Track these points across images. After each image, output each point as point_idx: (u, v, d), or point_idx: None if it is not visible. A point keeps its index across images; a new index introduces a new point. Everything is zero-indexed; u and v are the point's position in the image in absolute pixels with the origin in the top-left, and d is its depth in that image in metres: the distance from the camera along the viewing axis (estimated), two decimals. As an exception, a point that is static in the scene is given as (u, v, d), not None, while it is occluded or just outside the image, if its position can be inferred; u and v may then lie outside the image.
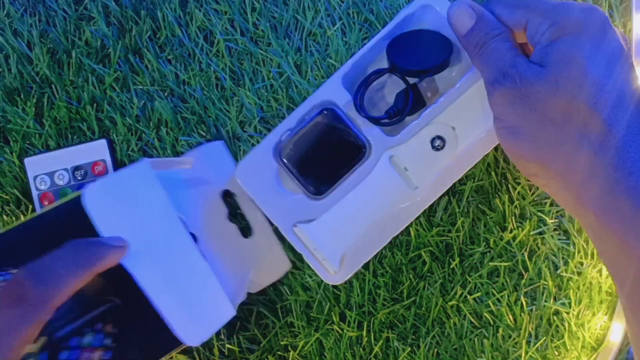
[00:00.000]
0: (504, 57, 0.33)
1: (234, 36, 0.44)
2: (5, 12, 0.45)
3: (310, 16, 0.44)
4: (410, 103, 0.40)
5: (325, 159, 0.41)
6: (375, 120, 0.40)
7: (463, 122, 0.40)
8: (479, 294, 0.42)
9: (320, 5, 0.44)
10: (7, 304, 0.28)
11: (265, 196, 0.41)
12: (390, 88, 0.42)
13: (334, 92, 0.40)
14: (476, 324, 0.42)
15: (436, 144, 0.40)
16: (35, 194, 0.43)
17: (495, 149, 0.43)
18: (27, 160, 0.44)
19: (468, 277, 0.42)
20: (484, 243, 0.42)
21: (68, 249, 0.31)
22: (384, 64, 0.41)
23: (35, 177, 0.44)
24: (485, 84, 0.35)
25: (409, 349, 0.43)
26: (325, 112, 0.40)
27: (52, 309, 0.28)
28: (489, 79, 0.34)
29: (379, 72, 0.40)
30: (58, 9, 0.45)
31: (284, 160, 0.41)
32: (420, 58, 0.39)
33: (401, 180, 0.40)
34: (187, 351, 0.43)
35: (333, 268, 0.40)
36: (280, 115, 0.44)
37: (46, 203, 0.43)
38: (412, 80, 0.40)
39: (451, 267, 0.43)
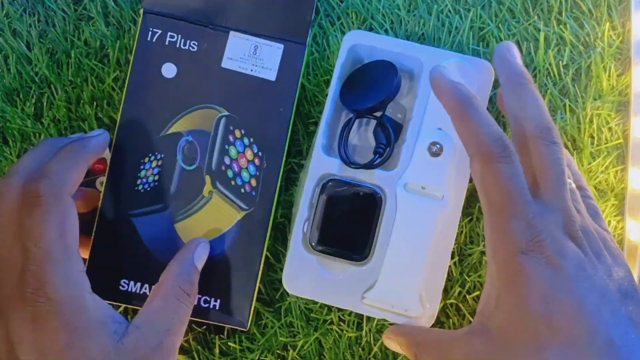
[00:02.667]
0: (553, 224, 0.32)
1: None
2: (4, 12, 0.45)
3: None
4: (392, 133, 0.41)
5: (352, 225, 0.41)
6: (371, 165, 0.41)
7: (444, 119, 0.40)
8: (478, 292, 0.42)
9: (320, 5, 0.44)
10: (28, 209, 0.31)
11: (322, 291, 0.41)
12: (365, 128, 0.43)
13: (323, 165, 0.41)
14: (475, 323, 0.42)
15: (434, 150, 0.40)
16: None
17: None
18: None
19: (467, 277, 0.42)
20: (483, 243, 0.42)
21: (59, 152, 0.35)
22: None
23: None
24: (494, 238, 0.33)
25: (409, 348, 0.43)
26: (328, 184, 0.41)
27: (67, 200, 0.33)
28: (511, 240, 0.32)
29: (348, 124, 0.41)
30: (57, 9, 0.45)
31: (318, 248, 0.41)
32: (373, 92, 0.40)
33: (426, 199, 0.40)
34: (187, 351, 0.43)
35: (418, 312, 0.40)
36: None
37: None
38: (378, 113, 0.41)
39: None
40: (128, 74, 0.41)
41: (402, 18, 0.44)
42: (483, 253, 0.42)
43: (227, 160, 0.40)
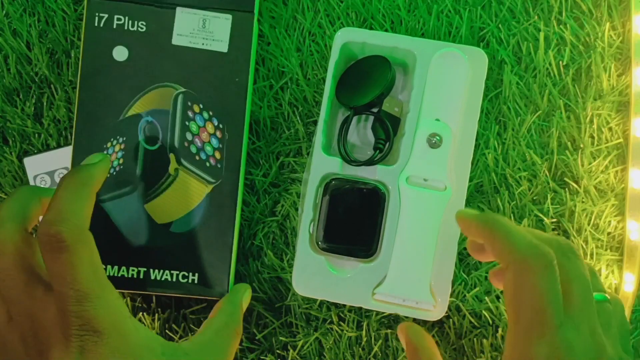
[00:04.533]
0: None
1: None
2: (4, 12, 0.45)
3: (310, 16, 0.44)
4: (390, 128, 0.41)
5: (357, 222, 0.41)
6: (372, 162, 0.41)
7: (442, 109, 0.41)
8: (477, 289, 0.42)
9: (320, 5, 0.44)
10: (54, 255, 0.31)
11: (332, 290, 0.41)
12: (364, 125, 0.43)
13: (324, 165, 0.41)
14: (475, 323, 0.42)
15: (433, 142, 0.41)
16: None
17: (495, 149, 0.43)
18: (26, 160, 0.44)
19: (467, 276, 0.42)
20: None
21: (64, 184, 0.33)
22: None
23: (35, 177, 0.44)
24: None
25: (409, 348, 0.43)
26: (330, 184, 0.41)
27: (86, 230, 0.32)
28: None
29: (346, 122, 0.42)
30: (57, 9, 0.45)
31: (325, 248, 0.41)
32: (369, 87, 0.41)
33: (429, 191, 0.40)
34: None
35: (430, 305, 0.40)
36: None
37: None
38: (375, 109, 0.41)
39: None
40: (80, 62, 0.41)
41: (402, 18, 0.44)
42: (483, 253, 0.42)
43: (189, 136, 0.41)
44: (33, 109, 0.45)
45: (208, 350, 0.35)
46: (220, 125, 0.41)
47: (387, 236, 0.41)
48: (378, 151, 0.41)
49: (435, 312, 0.40)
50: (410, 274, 0.40)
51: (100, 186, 0.35)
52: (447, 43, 0.41)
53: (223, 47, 0.41)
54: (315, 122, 0.43)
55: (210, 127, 0.41)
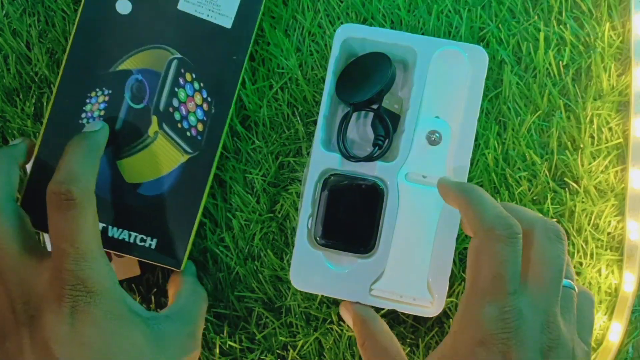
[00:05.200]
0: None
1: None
2: (4, 12, 0.45)
3: (310, 16, 0.44)
4: (390, 125, 0.41)
5: (356, 218, 0.41)
6: (371, 158, 0.41)
7: (441, 107, 0.41)
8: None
9: (320, 5, 0.44)
10: (61, 212, 0.32)
11: (329, 285, 0.41)
12: (364, 121, 0.43)
13: (323, 160, 0.41)
14: (475, 323, 0.42)
15: (433, 139, 0.41)
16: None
17: (495, 149, 0.43)
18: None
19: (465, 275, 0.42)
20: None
21: (73, 148, 0.35)
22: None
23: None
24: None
25: (408, 348, 0.43)
26: (329, 179, 0.41)
27: (94, 193, 0.34)
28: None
29: (346, 117, 0.41)
30: (57, 9, 0.45)
31: (323, 243, 0.41)
32: (369, 84, 0.41)
33: (427, 188, 0.40)
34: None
35: (427, 301, 0.40)
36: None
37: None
38: (375, 106, 0.41)
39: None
40: (81, 6, 0.41)
41: (402, 18, 0.44)
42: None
43: (175, 103, 0.41)
44: (33, 109, 0.45)
45: (184, 314, 0.38)
46: (209, 99, 0.41)
47: (386, 232, 0.41)
48: (377, 147, 0.41)
49: (433, 308, 0.40)
50: (408, 270, 0.40)
51: (103, 153, 0.37)
52: (448, 40, 0.41)
53: (227, 22, 0.41)
54: (315, 122, 0.44)
55: (198, 98, 0.41)
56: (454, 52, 0.41)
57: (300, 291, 0.42)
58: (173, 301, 0.39)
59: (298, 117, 0.44)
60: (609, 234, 0.43)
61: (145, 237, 0.40)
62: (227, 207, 0.44)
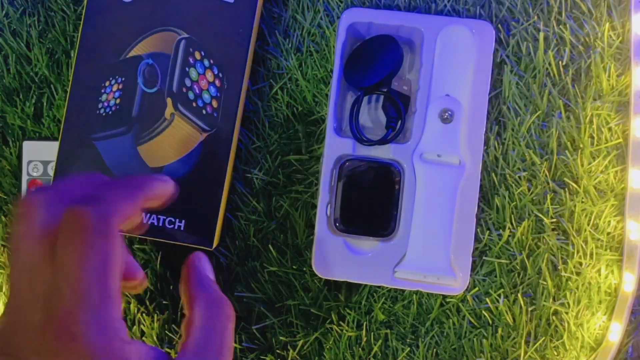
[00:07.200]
0: None
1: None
2: (4, 12, 0.45)
3: (310, 16, 0.44)
4: (402, 106, 0.41)
5: (374, 201, 0.41)
6: (385, 141, 0.41)
7: (451, 84, 0.41)
8: (476, 289, 0.42)
9: (320, 5, 0.44)
10: (68, 237, 0.25)
11: (353, 271, 0.41)
12: (375, 105, 0.43)
13: (337, 146, 0.41)
14: (475, 323, 0.42)
15: (445, 117, 0.41)
16: (25, 178, 0.44)
17: (495, 149, 0.43)
18: (25, 143, 0.44)
19: (467, 277, 0.42)
20: (483, 242, 0.42)
21: (117, 179, 0.32)
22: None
23: (29, 162, 0.44)
24: None
25: (408, 348, 0.43)
26: (345, 165, 0.41)
27: (114, 232, 0.26)
28: None
29: (357, 102, 0.42)
30: (57, 9, 0.45)
31: (343, 229, 0.41)
32: (377, 67, 0.41)
33: (444, 166, 0.40)
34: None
35: (451, 279, 0.40)
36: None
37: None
38: (384, 89, 0.41)
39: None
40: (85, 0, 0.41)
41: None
42: (482, 252, 0.43)
43: (187, 82, 0.41)
44: (33, 109, 0.45)
45: (207, 355, 0.28)
46: (220, 75, 0.41)
47: (405, 214, 0.41)
48: (391, 129, 0.41)
49: (458, 286, 0.40)
50: (430, 250, 0.40)
51: (151, 201, 0.30)
52: (453, 18, 0.41)
53: None
54: (315, 122, 0.44)
55: (209, 75, 0.41)
56: (460, 28, 0.41)
57: (301, 291, 0.42)
58: (188, 334, 0.29)
59: (298, 117, 0.44)
60: (608, 234, 0.43)
61: (173, 220, 0.41)
62: (227, 207, 0.44)
